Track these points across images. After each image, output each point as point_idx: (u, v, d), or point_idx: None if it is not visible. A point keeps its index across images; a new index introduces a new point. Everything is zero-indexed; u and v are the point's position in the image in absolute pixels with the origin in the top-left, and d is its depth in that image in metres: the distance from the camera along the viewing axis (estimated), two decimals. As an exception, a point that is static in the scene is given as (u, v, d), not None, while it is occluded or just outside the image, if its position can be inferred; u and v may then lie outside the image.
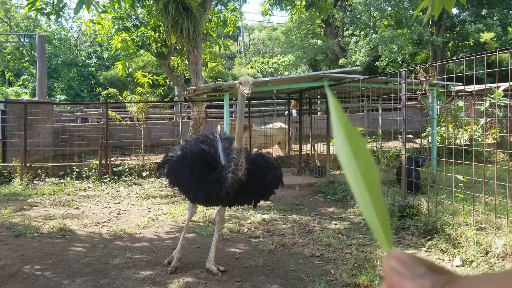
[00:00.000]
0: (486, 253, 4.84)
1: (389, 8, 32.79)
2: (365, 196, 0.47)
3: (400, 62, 31.16)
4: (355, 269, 4.67)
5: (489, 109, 12.77)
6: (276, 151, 14.16)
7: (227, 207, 4.88)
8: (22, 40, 43.34)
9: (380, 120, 18.19)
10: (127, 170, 11.58)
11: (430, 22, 31.23)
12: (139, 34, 13.30)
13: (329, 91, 0.53)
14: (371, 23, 33.00)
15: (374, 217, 0.47)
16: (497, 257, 4.71)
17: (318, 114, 18.87)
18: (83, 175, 11.34)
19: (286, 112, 16.01)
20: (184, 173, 4.38)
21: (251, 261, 5.12)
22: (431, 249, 5.34)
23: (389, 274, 0.47)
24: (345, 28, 35.61)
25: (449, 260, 4.98)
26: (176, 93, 15.86)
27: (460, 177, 6.30)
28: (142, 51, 13.89)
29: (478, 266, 4.65)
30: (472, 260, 4.77)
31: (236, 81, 4.48)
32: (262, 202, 4.92)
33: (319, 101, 18.95)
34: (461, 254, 4.95)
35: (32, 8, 9.06)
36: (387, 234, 0.49)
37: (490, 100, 12.20)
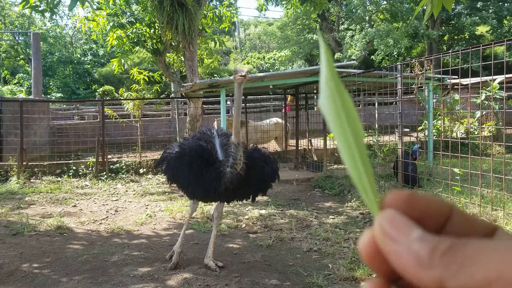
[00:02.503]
0: (482, 245, 4.87)
1: (385, 2, 32.81)
2: (354, 151, 0.44)
3: (396, 56, 31.20)
4: (353, 263, 4.69)
5: (485, 102, 12.80)
6: (273, 146, 14.18)
7: (225, 202, 4.89)
8: (17, 38, 43.17)
9: (376, 114, 18.23)
10: (124, 167, 11.56)
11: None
12: (134, 30, 13.26)
13: (320, 39, 0.50)
14: (367, 17, 33.00)
15: (363, 174, 0.44)
16: (493, 249, 4.73)
17: (315, 109, 18.89)
18: (80, 173, 11.32)
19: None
20: (182, 170, 4.38)
21: (249, 256, 5.13)
22: (428, 242, 5.35)
23: (380, 238, 0.41)
24: (340, 23, 35.60)
25: (446, 252, 4.99)
26: (173, 89, 15.84)
27: (456, 170, 6.32)
28: (137, 47, 13.86)
29: (475, 258, 4.68)
30: (469, 253, 4.79)
31: (232, 77, 4.48)
32: (259, 197, 4.93)
33: (315, 96, 18.96)
34: (458, 247, 4.96)
35: (26, 6, 9.02)
36: (375, 194, 0.45)
37: (485, 93, 12.23)
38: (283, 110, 22.95)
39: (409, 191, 0.44)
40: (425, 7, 3.50)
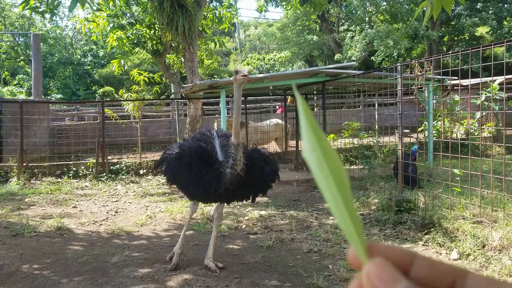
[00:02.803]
0: (483, 246, 4.87)
1: (384, 3, 32.82)
2: (338, 201, 0.45)
3: (396, 57, 31.21)
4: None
5: (485, 103, 12.80)
6: (273, 147, 14.18)
7: (225, 203, 4.89)
8: (17, 39, 43.17)
9: (376, 115, 18.23)
10: (124, 168, 11.56)
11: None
12: (134, 31, 13.26)
13: (296, 91, 0.51)
14: (367, 18, 33.01)
15: (349, 222, 0.45)
16: (494, 250, 4.73)
17: (315, 110, 18.88)
18: (80, 174, 11.32)
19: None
20: (182, 170, 4.38)
21: (250, 257, 5.13)
22: (428, 243, 5.37)
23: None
24: (340, 24, 35.62)
25: (446, 253, 5.00)
26: (172, 90, 15.84)
27: (456, 171, 6.32)
28: (137, 48, 13.86)
29: (475, 259, 4.68)
30: (469, 253, 4.80)
31: (232, 78, 4.49)
32: (259, 198, 4.93)
33: (315, 97, 18.98)
34: (458, 248, 4.97)
35: (26, 7, 9.02)
36: (362, 241, 0.46)
37: (485, 94, 12.23)
38: (277, 112, 22.99)
39: (368, 244, 0.46)
40: (424, 8, 3.50)
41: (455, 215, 5.66)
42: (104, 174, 11.20)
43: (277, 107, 24.29)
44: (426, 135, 11.23)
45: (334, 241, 5.57)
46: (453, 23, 33.04)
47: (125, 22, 13.57)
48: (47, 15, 9.50)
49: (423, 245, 5.35)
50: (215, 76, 27.73)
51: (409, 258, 0.45)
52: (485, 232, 5.00)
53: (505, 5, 31.41)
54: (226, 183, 4.14)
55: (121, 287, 4.28)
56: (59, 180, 10.95)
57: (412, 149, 8.80)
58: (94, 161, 11.45)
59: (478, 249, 4.82)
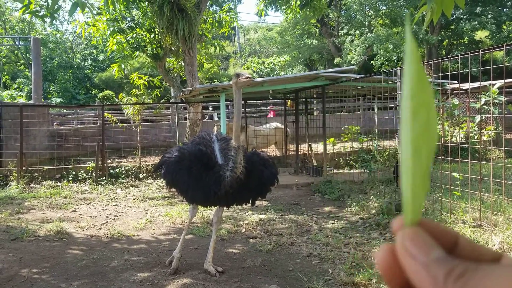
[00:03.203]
0: (483, 250, 4.86)
1: (384, 7, 32.91)
2: (408, 158, 0.43)
3: (395, 61, 31.26)
4: (353, 268, 4.67)
5: (484, 106, 12.81)
6: (273, 151, 14.18)
7: (224, 207, 4.88)
8: (17, 43, 43.26)
9: (376, 119, 18.24)
10: (124, 172, 11.56)
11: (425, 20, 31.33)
12: (134, 35, 13.28)
13: (408, 31, 0.47)
14: (366, 22, 33.08)
15: (409, 185, 0.43)
16: (494, 254, 4.72)
17: (314, 114, 18.89)
18: (79, 178, 11.32)
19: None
20: (182, 174, 4.37)
21: (249, 262, 5.12)
22: (428, 247, 5.35)
23: (401, 254, 0.43)
24: (340, 28, 35.69)
25: (446, 257, 4.99)
26: (172, 94, 15.85)
27: (456, 174, 6.32)
28: (137, 52, 13.88)
29: (475, 263, 4.67)
30: (469, 257, 4.78)
31: (231, 82, 4.49)
32: (259, 201, 4.93)
33: (315, 101, 18.99)
34: (458, 252, 4.95)
35: (27, 11, 9.04)
36: (416, 208, 0.44)
37: (485, 98, 12.23)
38: (268, 116, 22.97)
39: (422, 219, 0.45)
40: (424, 13, 3.51)
41: (455, 219, 5.65)
42: (104, 178, 11.19)
43: (269, 110, 24.14)
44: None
45: (334, 245, 5.55)
46: (452, 27, 33.13)
47: (125, 26, 13.59)
48: (47, 19, 9.52)
49: (423, 249, 5.33)
50: (215, 80, 27.77)
51: (454, 237, 0.45)
52: (485, 236, 4.99)
53: (504, 9, 31.50)
54: (226, 186, 4.14)
55: (120, 291, 4.27)
56: (58, 184, 10.94)
57: None
58: (94, 165, 11.44)
59: (478, 253, 4.81)
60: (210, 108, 21.00)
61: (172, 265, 4.74)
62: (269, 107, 24.09)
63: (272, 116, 22.41)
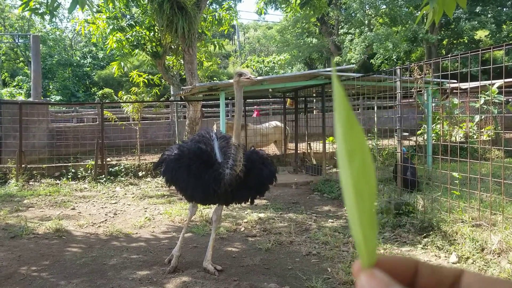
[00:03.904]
0: (482, 249, 4.86)
1: (384, 6, 32.90)
2: (352, 203, 0.44)
3: (395, 60, 31.25)
4: (352, 267, 4.67)
5: (484, 106, 12.82)
6: (272, 149, 14.18)
7: (224, 205, 4.88)
8: (17, 41, 43.16)
9: (375, 118, 18.22)
10: (123, 170, 11.55)
11: (425, 19, 31.32)
12: (134, 33, 13.26)
13: (335, 77, 0.47)
14: (366, 21, 33.07)
15: (358, 229, 0.44)
16: (492, 253, 4.73)
17: (314, 113, 18.91)
18: (79, 176, 11.31)
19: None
20: (181, 172, 4.37)
21: (248, 260, 5.13)
22: (427, 246, 5.37)
23: None
24: (340, 26, 35.68)
25: (445, 257, 5.00)
26: (172, 92, 15.84)
27: (455, 174, 6.32)
28: (137, 50, 13.86)
29: (474, 262, 4.68)
30: (468, 257, 4.80)
31: (231, 80, 4.49)
32: (258, 200, 4.93)
33: (314, 100, 18.99)
34: (457, 251, 4.97)
35: (26, 8, 9.01)
36: (370, 249, 0.45)
37: (484, 98, 12.24)
38: (253, 116, 22.91)
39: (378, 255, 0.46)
40: (425, 12, 3.51)
41: (454, 218, 5.66)
42: (103, 176, 11.19)
43: (254, 110, 24.05)
44: (425, 138, 11.23)
45: (333, 244, 5.56)
46: (452, 26, 33.12)
47: (125, 24, 13.58)
48: (47, 17, 9.51)
49: (422, 248, 5.35)
50: (214, 79, 27.73)
51: (413, 265, 0.46)
52: (484, 236, 5.00)
53: (504, 9, 31.49)
54: (225, 184, 4.14)
55: (119, 289, 4.27)
56: (57, 181, 10.93)
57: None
58: (93, 163, 11.44)
59: (477, 253, 4.82)
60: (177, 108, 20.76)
61: (171, 263, 4.75)
62: (254, 107, 23.99)
63: (255, 116, 22.32)
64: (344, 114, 0.44)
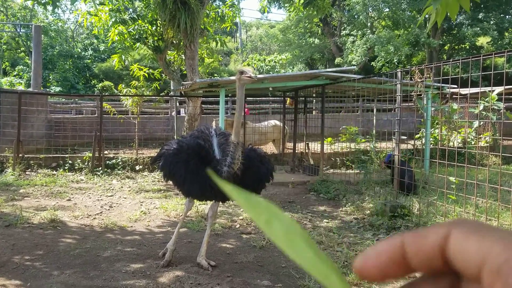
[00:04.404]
0: (475, 254, 4.87)
1: (387, 9, 32.88)
2: (306, 264, 0.40)
3: (396, 63, 31.27)
4: (345, 267, 4.69)
5: (483, 112, 12.84)
6: (270, 148, 14.17)
7: (220, 202, 4.88)
8: (18, 30, 43.09)
9: (374, 120, 18.23)
10: (120, 163, 11.54)
11: (427, 23, 31.38)
12: (136, 27, 13.22)
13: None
14: (369, 23, 33.08)
15: (326, 283, 0.39)
16: (486, 258, 4.74)
17: (313, 113, 18.92)
18: (76, 167, 11.30)
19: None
20: (179, 167, 4.37)
21: (242, 257, 5.13)
22: (421, 249, 5.37)
23: None
24: (342, 28, 35.66)
25: (439, 260, 5.01)
26: (172, 87, 15.82)
27: (452, 178, 6.33)
28: (138, 44, 13.82)
29: (467, 267, 4.68)
30: (461, 261, 4.80)
31: (233, 77, 4.49)
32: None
33: (314, 100, 19.00)
34: (451, 255, 4.97)
35: (29, -2, 9.00)
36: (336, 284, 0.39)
37: (484, 104, 12.26)
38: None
39: None
40: (427, 16, 3.51)
41: (449, 222, 5.66)
42: (100, 168, 11.18)
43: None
44: (423, 142, 11.25)
45: (327, 244, 5.57)
46: (454, 31, 33.16)
47: (127, 17, 13.54)
48: (49, 7, 9.50)
49: (416, 251, 5.35)
50: (215, 75, 27.73)
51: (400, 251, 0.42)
52: (478, 241, 5.01)
53: (507, 16, 31.51)
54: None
55: (112, 281, 4.27)
56: (54, 172, 10.92)
57: (388, 155, 8.91)
58: (91, 155, 11.43)
59: (471, 257, 4.82)
60: (177, 103, 20.43)
61: (165, 257, 4.75)
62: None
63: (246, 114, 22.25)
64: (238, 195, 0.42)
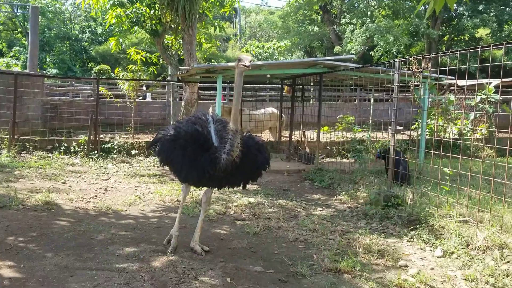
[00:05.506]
0: (467, 245, 4.91)
1: (387, -2, 32.69)
2: None
3: (395, 53, 31.18)
4: (337, 255, 4.72)
5: (480, 104, 12.86)
6: (266, 136, 14.17)
7: (215, 188, 4.88)
8: (15, 11, 42.63)
9: (371, 110, 18.24)
10: (116, 147, 11.53)
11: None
12: (134, 10, 13.08)
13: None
14: (369, 12, 32.87)
15: None
16: (477, 249, 4.78)
17: (310, 102, 18.88)
18: (71, 150, 11.29)
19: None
20: (177, 153, 4.36)
21: (235, 243, 5.16)
22: (413, 239, 5.42)
23: None
24: (342, 16, 35.46)
25: (431, 250, 5.05)
26: (169, 72, 15.72)
27: (446, 169, 6.36)
28: (136, 27, 13.71)
29: (458, 257, 4.73)
30: (453, 252, 4.85)
31: (231, 63, 4.47)
32: (249, 185, 4.94)
33: (312, 89, 18.95)
34: (443, 245, 5.02)
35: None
36: None
37: (480, 96, 12.27)
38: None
39: None
40: (426, 6, 3.48)
41: (441, 213, 5.70)
42: (96, 152, 11.17)
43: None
44: (419, 132, 11.26)
45: (320, 232, 5.60)
46: (454, 23, 33.05)
47: (125, 0, 13.40)
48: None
49: (408, 241, 5.40)
50: (213, 61, 27.55)
51: None
52: (470, 232, 5.05)
53: (507, 9, 31.38)
54: (221, 169, 4.15)
55: (105, 264, 4.29)
56: (49, 155, 10.91)
57: (377, 152, 8.99)
58: (86, 138, 11.41)
59: (462, 248, 4.87)
60: (144, 88, 19.95)
61: (171, 243, 4.74)
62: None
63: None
64: None
